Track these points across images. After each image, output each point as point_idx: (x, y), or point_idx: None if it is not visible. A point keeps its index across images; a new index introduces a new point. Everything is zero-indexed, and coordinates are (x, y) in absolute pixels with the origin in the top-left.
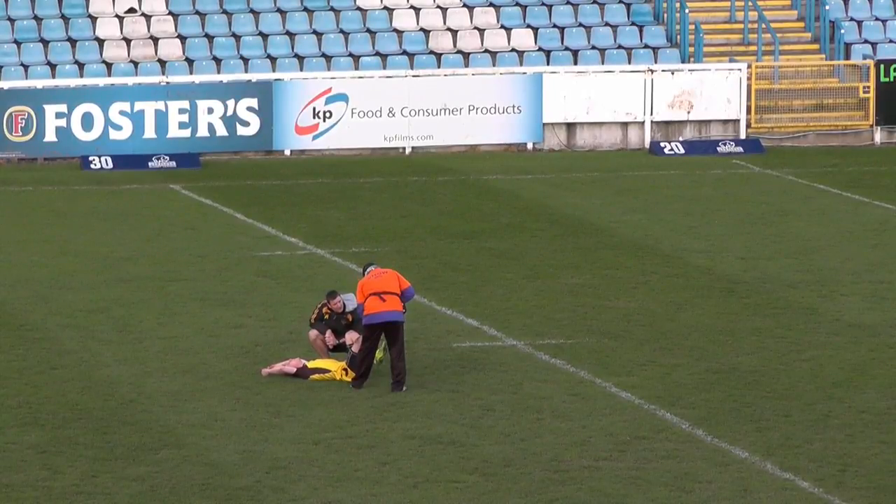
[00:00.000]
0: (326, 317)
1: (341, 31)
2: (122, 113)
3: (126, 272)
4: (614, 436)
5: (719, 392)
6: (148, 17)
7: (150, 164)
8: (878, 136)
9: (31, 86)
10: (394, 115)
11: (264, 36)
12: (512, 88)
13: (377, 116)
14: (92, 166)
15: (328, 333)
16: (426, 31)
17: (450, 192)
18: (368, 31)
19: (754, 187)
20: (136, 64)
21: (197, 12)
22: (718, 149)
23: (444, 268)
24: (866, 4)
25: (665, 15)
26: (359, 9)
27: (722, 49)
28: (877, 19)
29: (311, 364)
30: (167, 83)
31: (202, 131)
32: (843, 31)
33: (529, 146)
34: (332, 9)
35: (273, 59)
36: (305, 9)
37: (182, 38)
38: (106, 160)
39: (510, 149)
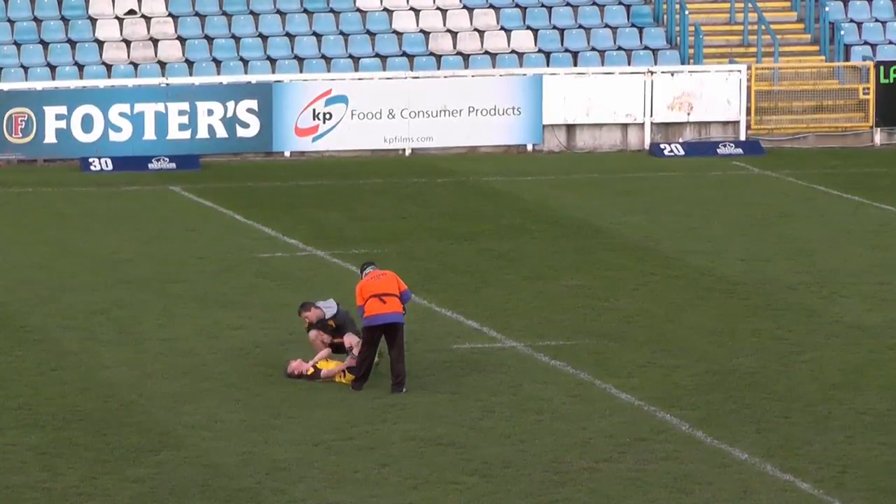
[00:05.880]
0: (314, 325)
1: (341, 33)
2: (121, 114)
3: (126, 274)
4: (614, 437)
5: (719, 393)
6: (148, 19)
7: (149, 165)
8: (878, 138)
9: (30, 87)
10: (394, 117)
11: (264, 37)
12: (512, 90)
13: (377, 118)
14: (92, 168)
15: (322, 333)
16: (426, 33)
17: (450, 193)
18: (368, 32)
19: (754, 189)
20: (135, 65)
21: (197, 14)
22: (718, 150)
23: (444, 269)
24: (866, 6)
25: (665, 16)
26: (358, 10)
27: (722, 50)
28: (876, 21)
29: (320, 365)
30: (167, 85)
31: (202, 133)
32: (842, 32)
33: (529, 148)
34: (331, 10)
35: (273, 61)
36: (305, 10)
37: (182, 40)
38: (106, 162)
39: (510, 150)
